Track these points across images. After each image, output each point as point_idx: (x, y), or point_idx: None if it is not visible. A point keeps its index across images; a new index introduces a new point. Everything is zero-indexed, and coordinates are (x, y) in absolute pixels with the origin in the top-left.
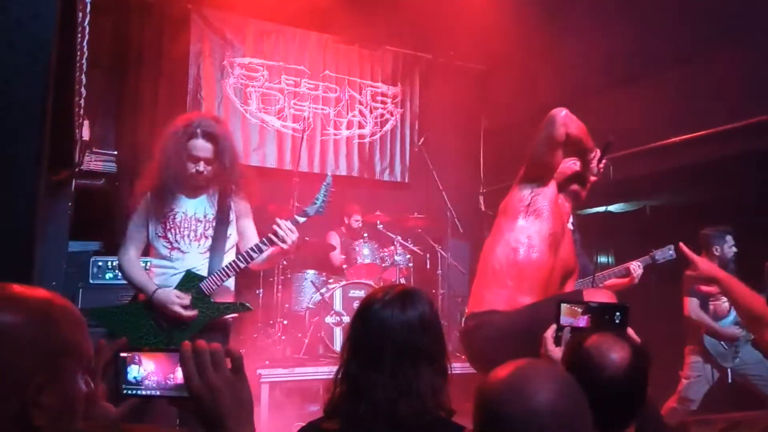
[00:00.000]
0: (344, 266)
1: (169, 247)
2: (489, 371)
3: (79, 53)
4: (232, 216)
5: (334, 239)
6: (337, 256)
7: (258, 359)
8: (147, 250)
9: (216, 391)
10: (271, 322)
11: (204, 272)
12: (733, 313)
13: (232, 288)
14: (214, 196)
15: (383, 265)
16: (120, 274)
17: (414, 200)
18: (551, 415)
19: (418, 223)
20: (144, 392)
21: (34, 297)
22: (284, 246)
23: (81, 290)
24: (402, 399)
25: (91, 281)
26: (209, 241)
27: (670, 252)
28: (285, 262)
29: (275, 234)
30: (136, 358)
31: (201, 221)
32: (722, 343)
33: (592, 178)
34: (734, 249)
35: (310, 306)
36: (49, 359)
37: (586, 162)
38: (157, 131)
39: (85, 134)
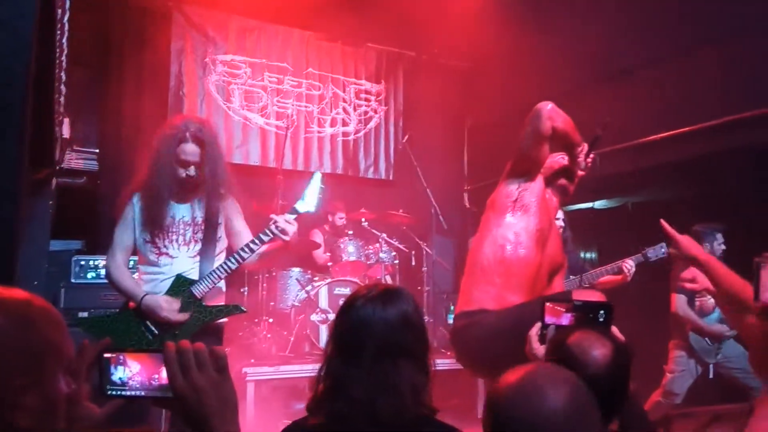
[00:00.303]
0: (329, 264)
1: (157, 252)
2: (478, 370)
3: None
4: (221, 219)
5: (318, 237)
6: (320, 255)
7: (243, 357)
8: (134, 254)
9: (200, 391)
10: (256, 320)
11: (194, 276)
12: (718, 311)
13: (224, 289)
14: (203, 200)
15: (368, 262)
16: (107, 279)
17: (399, 197)
18: (563, 419)
19: (402, 220)
20: (128, 393)
21: (12, 298)
22: (286, 238)
23: (63, 289)
24: (381, 396)
25: (72, 280)
26: (199, 245)
27: (663, 250)
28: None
29: (276, 226)
30: (120, 358)
31: (190, 225)
32: (707, 339)
33: (580, 173)
34: (723, 246)
35: (296, 304)
36: (29, 360)
37: (573, 156)
38: (140, 129)
39: (66, 132)
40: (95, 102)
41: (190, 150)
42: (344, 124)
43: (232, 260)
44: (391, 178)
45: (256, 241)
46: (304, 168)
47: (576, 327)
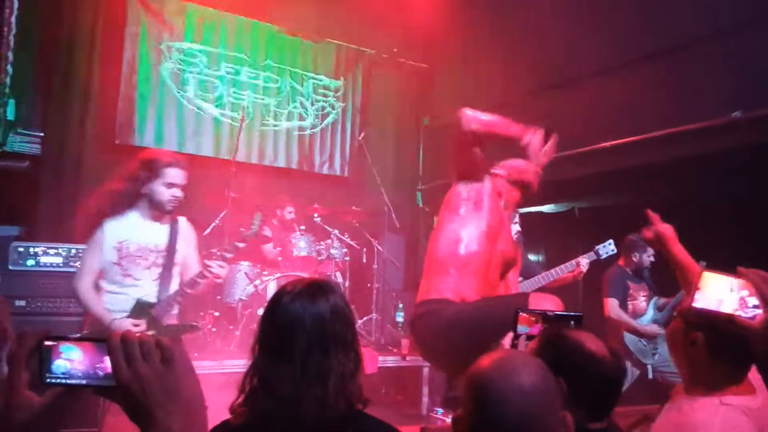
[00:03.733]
0: (280, 258)
1: (123, 273)
2: (435, 359)
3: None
4: (180, 245)
5: (267, 231)
6: (270, 249)
7: (187, 351)
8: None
9: (145, 381)
10: (201, 313)
11: (153, 299)
12: (651, 311)
13: (176, 311)
14: (166, 226)
15: (319, 258)
16: (76, 298)
17: (352, 194)
18: (535, 390)
19: (355, 217)
20: (69, 381)
21: None
22: (219, 281)
23: (0, 276)
24: (309, 391)
25: (10, 267)
26: (159, 270)
27: (612, 247)
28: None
29: (209, 271)
30: (62, 346)
31: (153, 251)
32: (642, 340)
33: (540, 165)
34: (652, 258)
35: (243, 298)
36: None
37: (526, 151)
38: (87, 114)
39: (10, 114)
40: (42, 84)
41: (176, 174)
42: (301, 118)
43: (186, 288)
44: (346, 174)
45: (195, 282)
46: (258, 161)
47: (559, 328)
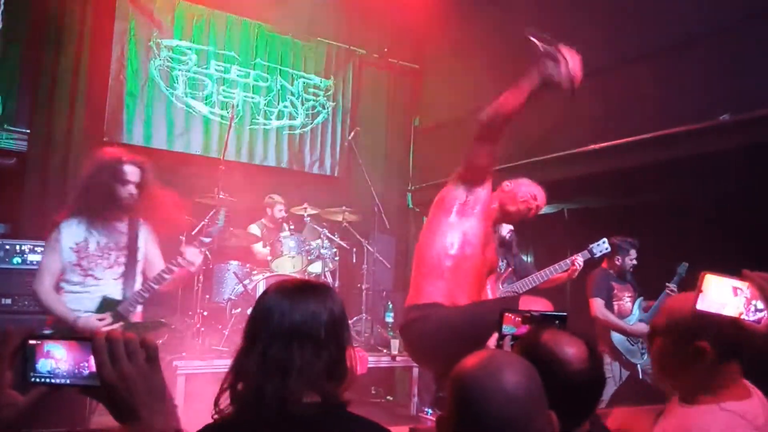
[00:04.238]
0: (269, 258)
1: (83, 274)
2: (427, 362)
3: None
4: (141, 243)
5: (255, 231)
6: (259, 249)
7: (175, 350)
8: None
9: (129, 380)
10: (190, 313)
11: (118, 297)
12: (637, 311)
13: (140, 308)
14: (127, 225)
15: (309, 257)
16: (36, 301)
17: (342, 194)
18: (520, 389)
19: (345, 217)
20: (53, 380)
21: None
22: (192, 269)
23: None
24: (268, 382)
25: None
26: (122, 269)
27: (606, 245)
28: (207, 252)
29: (183, 258)
30: (46, 345)
31: (113, 250)
32: (629, 339)
33: (577, 80)
34: (635, 261)
35: (232, 297)
36: None
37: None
38: (75, 111)
39: None
40: (29, 80)
41: (132, 171)
42: (291, 117)
43: (151, 284)
44: (336, 174)
45: (167, 271)
46: (248, 160)
47: (541, 329)
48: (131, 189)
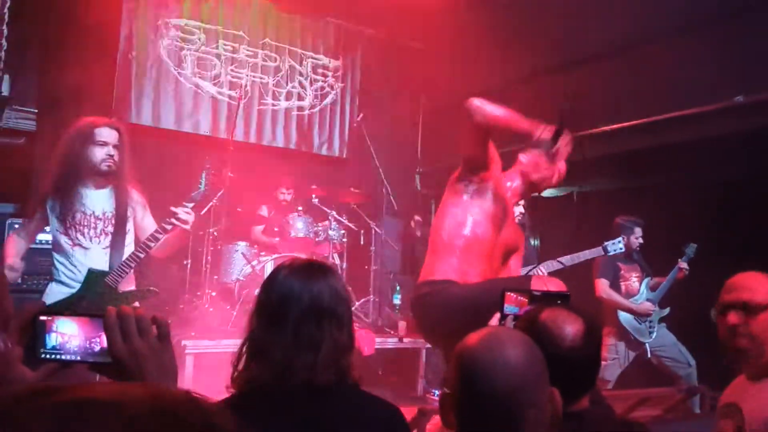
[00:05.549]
0: (277, 239)
1: (71, 243)
2: (436, 337)
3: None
4: (130, 212)
5: (263, 211)
6: (258, 232)
7: (183, 331)
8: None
9: (140, 357)
10: (198, 293)
11: (105, 267)
12: (644, 291)
13: (132, 275)
14: (113, 192)
15: (317, 239)
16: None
17: (350, 176)
18: (519, 370)
19: (353, 198)
20: (64, 357)
21: None
22: (186, 227)
23: None
24: (299, 358)
25: None
26: (109, 237)
27: (621, 245)
28: (215, 233)
29: (176, 217)
30: (57, 321)
31: (101, 219)
32: (637, 319)
33: (561, 158)
34: (641, 240)
35: (240, 278)
36: None
37: (536, 144)
38: (82, 90)
39: (5, 90)
40: (36, 59)
41: (107, 133)
42: (300, 98)
43: (140, 250)
44: (344, 155)
45: (160, 231)
46: (256, 141)
47: (543, 306)
48: (109, 150)
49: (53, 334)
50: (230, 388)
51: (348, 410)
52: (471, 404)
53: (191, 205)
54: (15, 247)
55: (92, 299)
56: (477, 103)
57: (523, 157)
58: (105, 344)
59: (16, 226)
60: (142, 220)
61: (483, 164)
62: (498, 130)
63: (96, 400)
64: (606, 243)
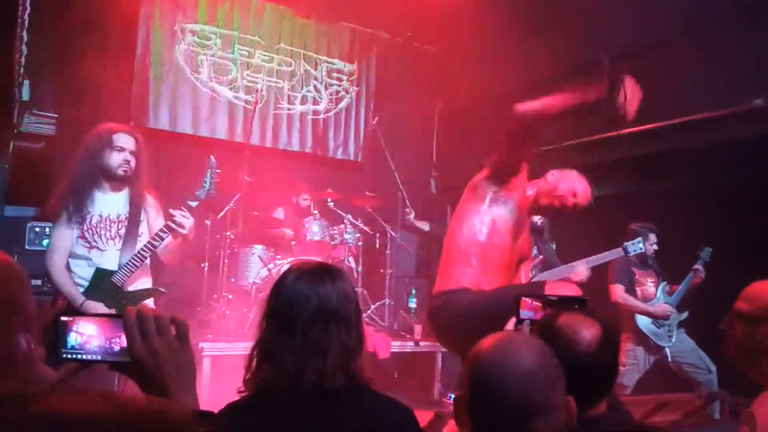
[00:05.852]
0: (293, 243)
1: (88, 246)
2: (454, 345)
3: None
4: (143, 215)
5: (280, 214)
6: (276, 233)
7: (200, 333)
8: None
9: (159, 356)
10: (215, 296)
11: (114, 267)
12: (661, 295)
13: (149, 270)
14: (128, 196)
15: (332, 242)
16: (48, 278)
17: (366, 180)
18: (535, 370)
19: (369, 202)
20: (84, 356)
21: None
22: (183, 231)
23: (16, 255)
24: (309, 362)
25: (27, 247)
26: (122, 240)
27: (640, 245)
28: (232, 236)
29: (173, 221)
30: (78, 322)
31: (115, 222)
32: (655, 322)
33: (633, 105)
34: (655, 246)
35: (257, 281)
36: None
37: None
38: (101, 95)
39: (25, 95)
40: (56, 65)
41: (125, 139)
42: (315, 102)
43: (145, 249)
44: (359, 159)
45: (165, 231)
46: (273, 145)
47: (560, 310)
48: (126, 156)
49: (74, 335)
50: (243, 391)
51: (358, 412)
52: (483, 407)
53: (194, 204)
54: (69, 284)
55: (98, 297)
56: (521, 106)
57: (551, 176)
58: (125, 344)
59: (37, 229)
60: (155, 223)
61: (513, 172)
62: (549, 117)
63: (62, 415)
64: (626, 243)
